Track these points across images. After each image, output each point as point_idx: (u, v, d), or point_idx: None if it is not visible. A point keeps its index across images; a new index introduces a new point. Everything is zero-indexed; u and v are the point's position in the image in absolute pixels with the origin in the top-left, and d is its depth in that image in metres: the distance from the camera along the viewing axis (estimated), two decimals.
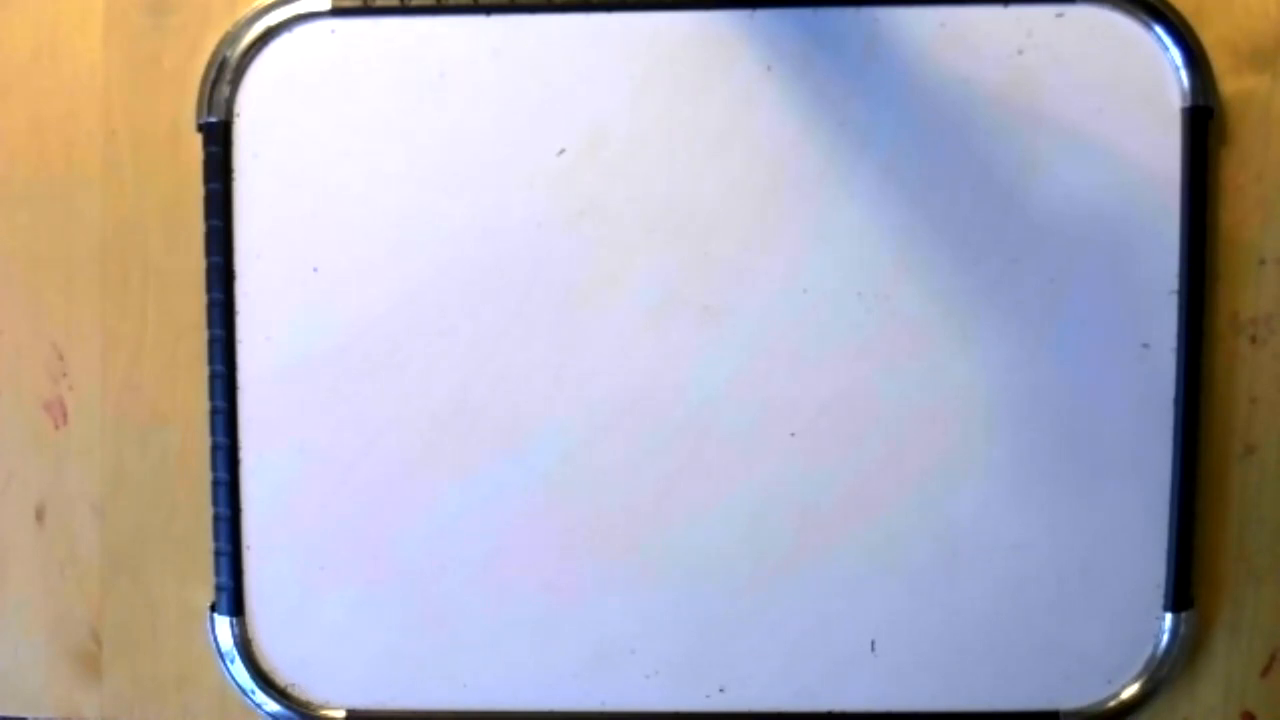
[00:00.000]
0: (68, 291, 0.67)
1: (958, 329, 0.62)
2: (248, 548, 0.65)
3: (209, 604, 0.66)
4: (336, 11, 0.63)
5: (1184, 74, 0.61)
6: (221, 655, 0.66)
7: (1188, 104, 0.61)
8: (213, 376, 0.64)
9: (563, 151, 0.63)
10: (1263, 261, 0.63)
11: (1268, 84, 0.63)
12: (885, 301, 0.62)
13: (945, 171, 0.62)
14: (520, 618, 0.64)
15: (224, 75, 0.63)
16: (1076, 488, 0.63)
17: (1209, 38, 0.62)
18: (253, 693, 0.65)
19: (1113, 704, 0.63)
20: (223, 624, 0.65)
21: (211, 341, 0.64)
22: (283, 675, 0.65)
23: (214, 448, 0.65)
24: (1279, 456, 0.64)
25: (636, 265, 0.63)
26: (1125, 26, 0.61)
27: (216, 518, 0.65)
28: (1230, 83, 0.63)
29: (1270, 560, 0.64)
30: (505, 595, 0.64)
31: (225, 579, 0.65)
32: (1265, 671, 0.65)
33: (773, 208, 0.63)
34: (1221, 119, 0.63)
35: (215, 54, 0.64)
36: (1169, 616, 0.63)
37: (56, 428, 0.67)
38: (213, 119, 0.64)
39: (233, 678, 0.66)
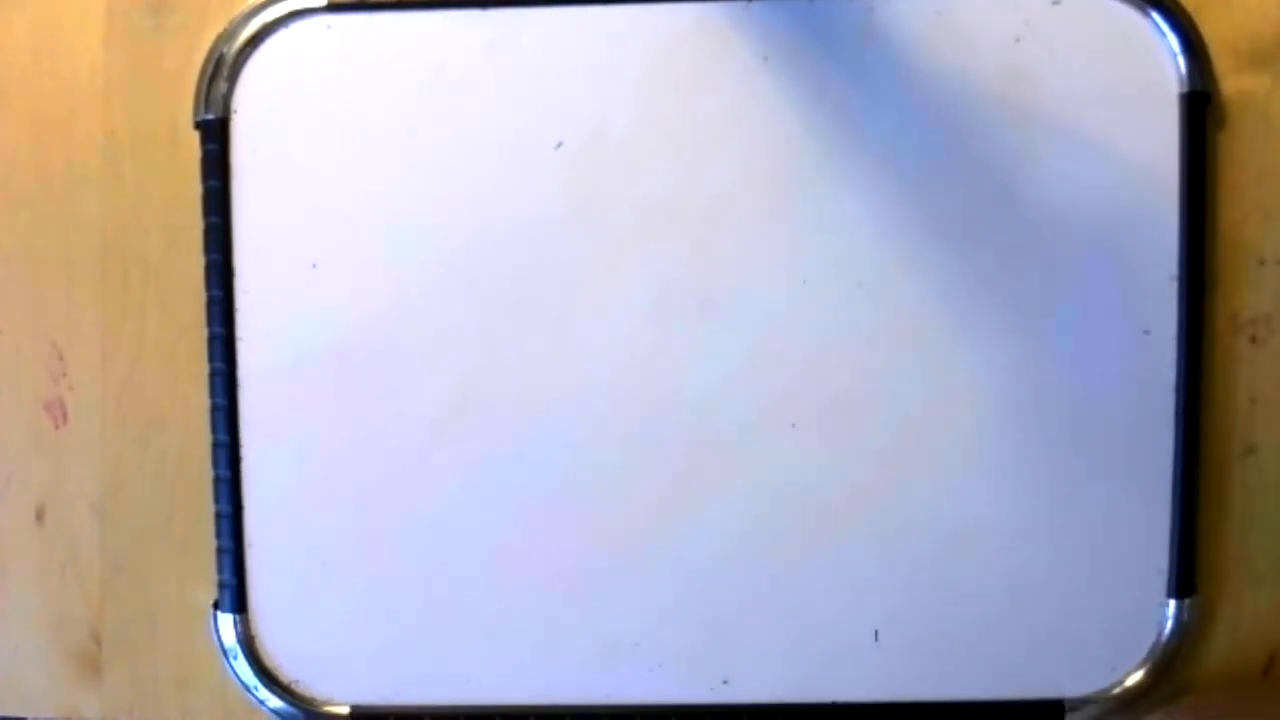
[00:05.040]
0: (68, 291, 0.67)
1: (959, 318, 0.62)
2: (250, 545, 0.65)
3: (210, 602, 0.66)
4: (332, 7, 0.63)
5: (1181, 60, 0.61)
6: (225, 653, 0.65)
7: (1185, 90, 0.61)
8: (213, 374, 0.64)
9: (560, 145, 0.63)
10: (1263, 261, 0.63)
11: (1268, 84, 0.63)
12: (886, 292, 0.62)
13: (944, 160, 0.62)
14: (523, 612, 0.64)
15: (221, 72, 0.64)
16: (1079, 476, 0.63)
17: (1208, 37, 0.62)
18: (256, 689, 0.65)
19: (1117, 691, 0.63)
20: (226, 621, 0.65)
21: (211, 339, 0.64)
22: (286, 672, 0.65)
23: (215, 445, 0.65)
24: (1279, 457, 0.64)
25: (636, 258, 0.63)
26: (1122, 14, 0.61)
27: (218, 515, 0.65)
28: (1230, 83, 0.63)
29: (1271, 561, 0.64)
30: (508, 590, 0.64)
31: (228, 576, 0.65)
32: (1265, 671, 0.64)
33: (771, 199, 0.63)
34: (1221, 119, 0.63)
35: (212, 51, 0.64)
36: (1172, 603, 0.63)
37: (56, 428, 0.67)
38: (210, 116, 0.64)
39: (236, 675, 0.65)
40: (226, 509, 0.65)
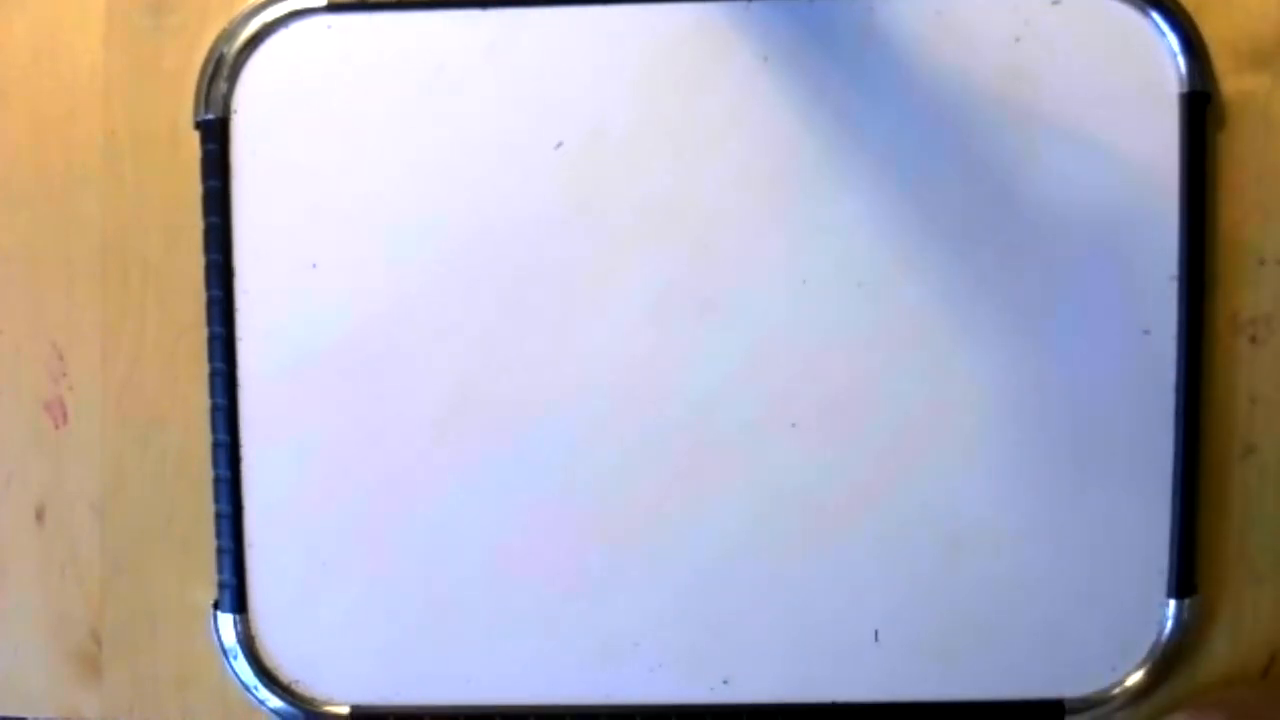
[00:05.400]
0: (68, 291, 0.67)
1: (959, 318, 0.62)
2: (250, 545, 0.65)
3: (210, 602, 0.66)
4: (332, 7, 0.63)
5: (1181, 60, 0.61)
6: (225, 653, 0.65)
7: (1185, 90, 0.61)
8: (213, 374, 0.64)
9: (560, 145, 0.63)
10: (1263, 261, 0.63)
11: (1268, 84, 0.63)
12: (886, 291, 0.62)
13: (943, 160, 0.62)
14: (524, 612, 0.64)
15: (221, 72, 0.63)
16: (1079, 475, 0.63)
17: (1208, 37, 0.62)
18: (256, 689, 0.65)
19: (1117, 691, 0.63)
20: (226, 621, 0.65)
21: (211, 339, 0.64)
22: (286, 672, 0.65)
23: (215, 445, 0.65)
24: (1279, 457, 0.64)
25: (636, 258, 0.63)
26: (1122, 14, 0.61)
27: (218, 515, 0.65)
28: (1230, 83, 0.63)
29: (1271, 561, 0.64)
30: (508, 590, 0.64)
31: (228, 576, 0.65)
32: (1265, 672, 0.64)
33: (771, 199, 0.63)
34: (1221, 119, 0.63)
35: (212, 51, 0.64)
36: (1172, 603, 0.62)
37: (56, 428, 0.67)
38: (210, 116, 0.64)
39: (236, 675, 0.65)
40: (226, 509, 0.65)
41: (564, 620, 0.64)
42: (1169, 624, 0.63)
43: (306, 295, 0.64)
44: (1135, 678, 0.63)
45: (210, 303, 0.64)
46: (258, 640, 0.65)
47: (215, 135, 0.64)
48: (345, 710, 0.65)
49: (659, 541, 0.64)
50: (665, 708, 0.64)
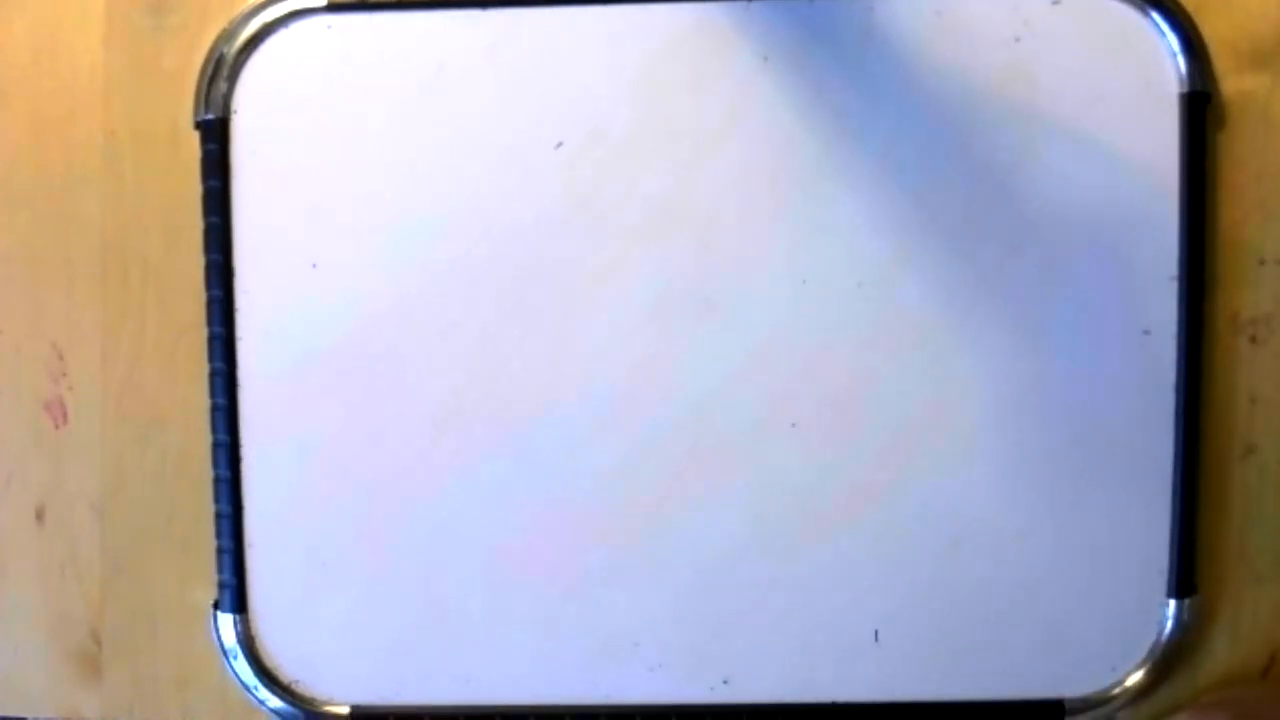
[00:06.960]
0: (68, 291, 0.67)
1: (959, 318, 0.62)
2: (250, 545, 0.65)
3: (210, 602, 0.66)
4: (332, 7, 0.63)
5: (1181, 60, 0.61)
6: (225, 653, 0.65)
7: (1185, 90, 0.61)
8: (213, 374, 0.64)
9: (560, 145, 0.63)
10: (1263, 261, 0.63)
11: (1268, 84, 0.63)
12: (885, 291, 0.62)
13: (944, 160, 0.62)
14: (524, 612, 0.64)
15: (220, 72, 0.63)
16: (1079, 476, 0.63)
17: (1208, 37, 0.62)
18: (256, 689, 0.65)
19: (1117, 691, 0.63)
20: (226, 621, 0.65)
21: (211, 339, 0.64)
22: (286, 672, 0.65)
23: (215, 445, 0.64)
24: (1279, 457, 0.64)
25: (636, 258, 0.63)
26: (1122, 14, 0.61)
27: (218, 515, 0.65)
28: (1230, 83, 0.63)
29: (1271, 561, 0.64)
30: (509, 590, 0.64)
31: (228, 576, 0.65)
32: (1265, 672, 0.64)
33: (771, 199, 0.63)
34: (1221, 119, 0.63)
35: (212, 51, 0.64)
36: (1172, 603, 0.62)
37: (56, 428, 0.67)
38: (210, 116, 0.64)
39: (236, 675, 0.65)
40: (226, 509, 0.65)
41: (564, 620, 0.64)
42: (1169, 624, 0.63)
43: (306, 295, 0.64)
44: (1135, 678, 0.63)
45: (210, 303, 0.64)
46: (258, 640, 0.65)
47: (215, 135, 0.64)
48: (345, 710, 0.65)
49: (659, 541, 0.64)
50: (665, 708, 0.64)
